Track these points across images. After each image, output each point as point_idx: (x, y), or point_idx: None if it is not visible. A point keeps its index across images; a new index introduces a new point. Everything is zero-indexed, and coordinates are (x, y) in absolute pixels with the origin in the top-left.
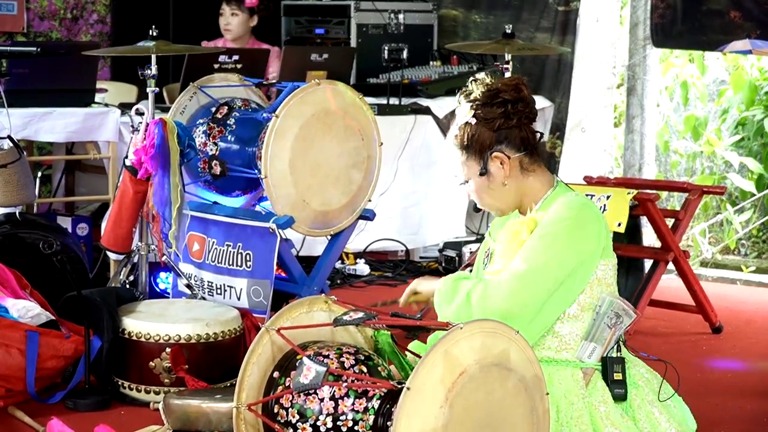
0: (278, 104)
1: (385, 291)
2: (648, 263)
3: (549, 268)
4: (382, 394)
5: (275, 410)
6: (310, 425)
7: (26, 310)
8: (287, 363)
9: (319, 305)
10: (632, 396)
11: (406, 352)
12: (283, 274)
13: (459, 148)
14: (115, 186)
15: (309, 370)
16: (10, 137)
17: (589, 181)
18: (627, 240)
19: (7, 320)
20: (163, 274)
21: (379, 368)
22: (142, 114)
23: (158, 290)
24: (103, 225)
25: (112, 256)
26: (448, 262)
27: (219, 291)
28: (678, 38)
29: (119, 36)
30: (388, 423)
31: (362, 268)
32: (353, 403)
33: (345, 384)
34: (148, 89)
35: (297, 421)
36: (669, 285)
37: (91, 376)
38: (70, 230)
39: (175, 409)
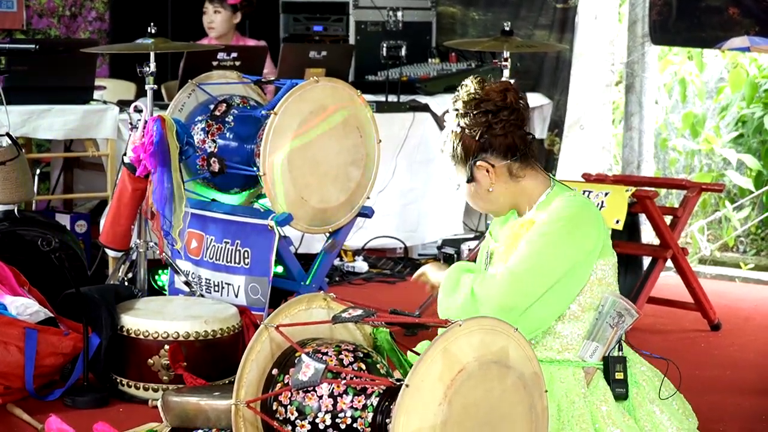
0: (277, 101)
1: (384, 288)
2: (647, 260)
3: (545, 265)
4: (381, 391)
5: (274, 407)
6: (309, 422)
7: (25, 307)
8: (286, 360)
9: (317, 302)
10: (633, 395)
11: (409, 352)
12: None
13: (447, 155)
14: (113, 183)
15: (308, 368)
16: (8, 134)
17: (588, 178)
18: (626, 237)
19: (5, 317)
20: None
21: (378, 365)
22: (140, 111)
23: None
24: (102, 222)
25: (110, 253)
26: (446, 259)
27: (217, 288)
28: (676, 35)
29: (118, 33)
30: (387, 420)
31: (361, 265)
32: (352, 401)
33: (344, 381)
34: (146, 86)
35: (296, 419)
36: (667, 282)
37: (90, 373)
38: (68, 227)
39: (173, 407)
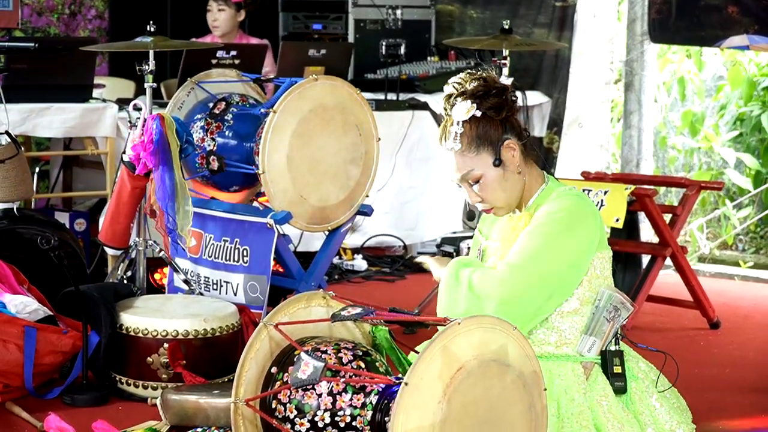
0: (276, 100)
1: (383, 286)
2: (646, 259)
3: (545, 258)
4: (380, 389)
5: (273, 405)
6: (308, 420)
7: (24, 305)
8: (285, 358)
9: (317, 301)
10: (632, 389)
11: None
12: (281, 270)
13: (467, 145)
14: (112, 181)
15: (307, 366)
16: (7, 133)
17: (587, 176)
18: (625, 235)
19: (4, 316)
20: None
21: (377, 364)
22: (139, 109)
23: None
24: (101, 220)
25: (109, 251)
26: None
27: (215, 286)
28: (675, 34)
29: (117, 31)
30: (386, 418)
31: (360, 263)
32: (351, 399)
33: (343, 379)
34: (145, 85)
35: (295, 417)
36: (667, 280)
37: (89, 371)
38: (67, 226)
39: (172, 405)
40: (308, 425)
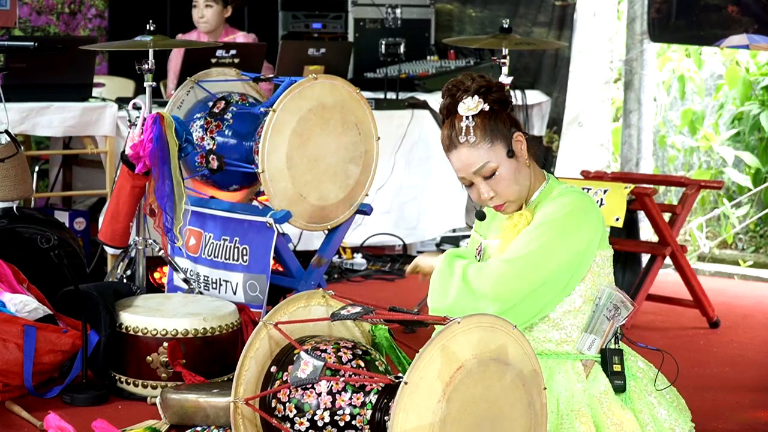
0: (275, 99)
1: (383, 286)
2: (645, 258)
3: (543, 254)
4: (380, 388)
5: (273, 405)
6: (308, 420)
7: (23, 304)
8: (285, 357)
9: (316, 300)
10: (631, 387)
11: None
12: (280, 269)
13: (481, 137)
14: (112, 180)
15: (306, 365)
16: (7, 132)
17: (587, 175)
18: (624, 234)
19: (4, 315)
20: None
21: (377, 363)
22: (139, 108)
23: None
24: (101, 219)
25: (109, 250)
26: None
27: (215, 285)
28: (675, 33)
29: (116, 30)
30: (386, 418)
31: (359, 262)
32: (351, 398)
33: (342, 379)
34: (145, 84)
35: (294, 416)
36: (666, 279)
37: (89, 370)
38: (67, 225)
39: (172, 404)
40: (308, 424)
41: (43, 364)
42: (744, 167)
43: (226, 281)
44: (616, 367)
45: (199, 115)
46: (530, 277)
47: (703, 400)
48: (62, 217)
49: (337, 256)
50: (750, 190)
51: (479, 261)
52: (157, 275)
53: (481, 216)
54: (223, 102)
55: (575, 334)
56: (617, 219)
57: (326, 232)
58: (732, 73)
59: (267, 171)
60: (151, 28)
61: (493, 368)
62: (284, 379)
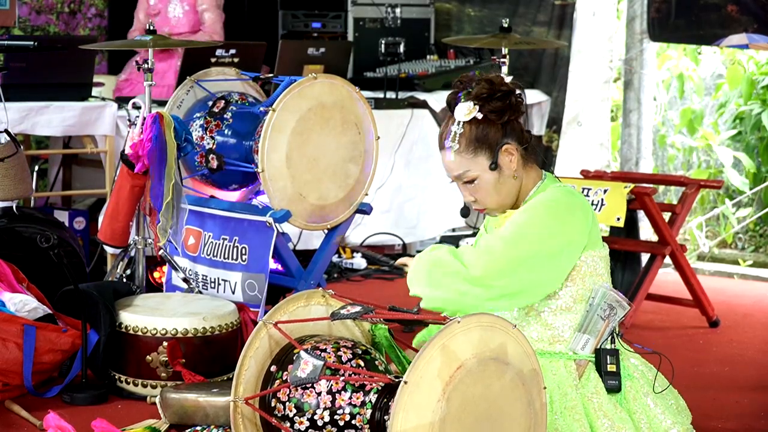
0: (275, 98)
1: (382, 285)
2: (645, 257)
3: (527, 240)
4: (380, 388)
5: (272, 404)
6: (308, 419)
7: (23, 303)
8: (284, 357)
9: (316, 299)
10: (627, 388)
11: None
12: (280, 269)
13: (464, 146)
14: (112, 180)
15: (306, 364)
16: (7, 131)
17: (586, 175)
18: (624, 234)
19: (4, 314)
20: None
21: (377, 362)
22: (139, 108)
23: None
24: (100, 219)
25: (109, 250)
26: None
27: (213, 285)
28: (675, 32)
29: (116, 30)
30: (386, 417)
31: (359, 262)
32: (350, 397)
33: (342, 378)
34: (145, 83)
35: (294, 415)
36: (666, 279)
37: (88, 370)
38: (67, 224)
39: (172, 403)
40: (307, 424)
41: (42, 363)
42: (744, 167)
43: (225, 280)
44: (611, 367)
45: (198, 115)
46: (510, 254)
47: (703, 399)
48: (62, 216)
49: (337, 255)
50: (750, 189)
51: None
52: (156, 275)
53: (466, 212)
54: (223, 101)
55: (567, 334)
56: (618, 219)
57: (326, 231)
58: (734, 72)
59: (266, 170)
60: (151, 28)
61: (493, 367)
62: (284, 378)
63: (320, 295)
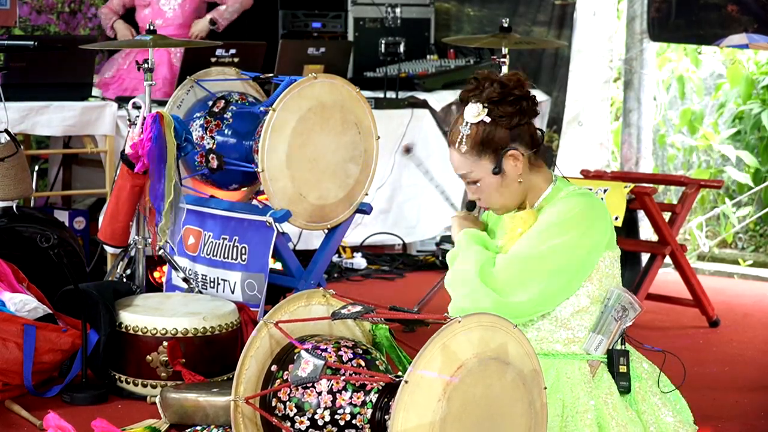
0: (275, 98)
1: (383, 285)
2: (645, 257)
3: (553, 254)
4: (380, 387)
5: (273, 404)
6: (308, 419)
7: (23, 303)
8: (285, 356)
9: (317, 299)
10: (635, 388)
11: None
12: (280, 268)
13: (470, 148)
14: (112, 180)
15: (307, 364)
16: (7, 131)
17: (586, 174)
18: (624, 234)
19: (4, 314)
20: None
21: (377, 362)
22: (139, 108)
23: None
24: (100, 219)
25: (109, 249)
26: (445, 255)
27: (213, 284)
28: (675, 32)
29: None
30: (386, 417)
31: (359, 261)
32: (351, 397)
33: (343, 377)
34: (144, 83)
35: (295, 415)
36: (666, 279)
37: (88, 369)
38: (67, 224)
39: (172, 403)
40: (308, 423)
41: (42, 363)
42: (744, 166)
43: (225, 280)
44: (622, 369)
45: (198, 114)
46: (536, 277)
47: (703, 399)
48: (62, 216)
49: (337, 255)
50: (750, 189)
51: None
52: (156, 274)
53: (471, 206)
54: (223, 101)
55: (582, 334)
56: (616, 218)
57: (326, 231)
58: (734, 72)
59: (267, 170)
60: (151, 28)
61: (494, 367)
62: (285, 378)
63: (321, 294)
